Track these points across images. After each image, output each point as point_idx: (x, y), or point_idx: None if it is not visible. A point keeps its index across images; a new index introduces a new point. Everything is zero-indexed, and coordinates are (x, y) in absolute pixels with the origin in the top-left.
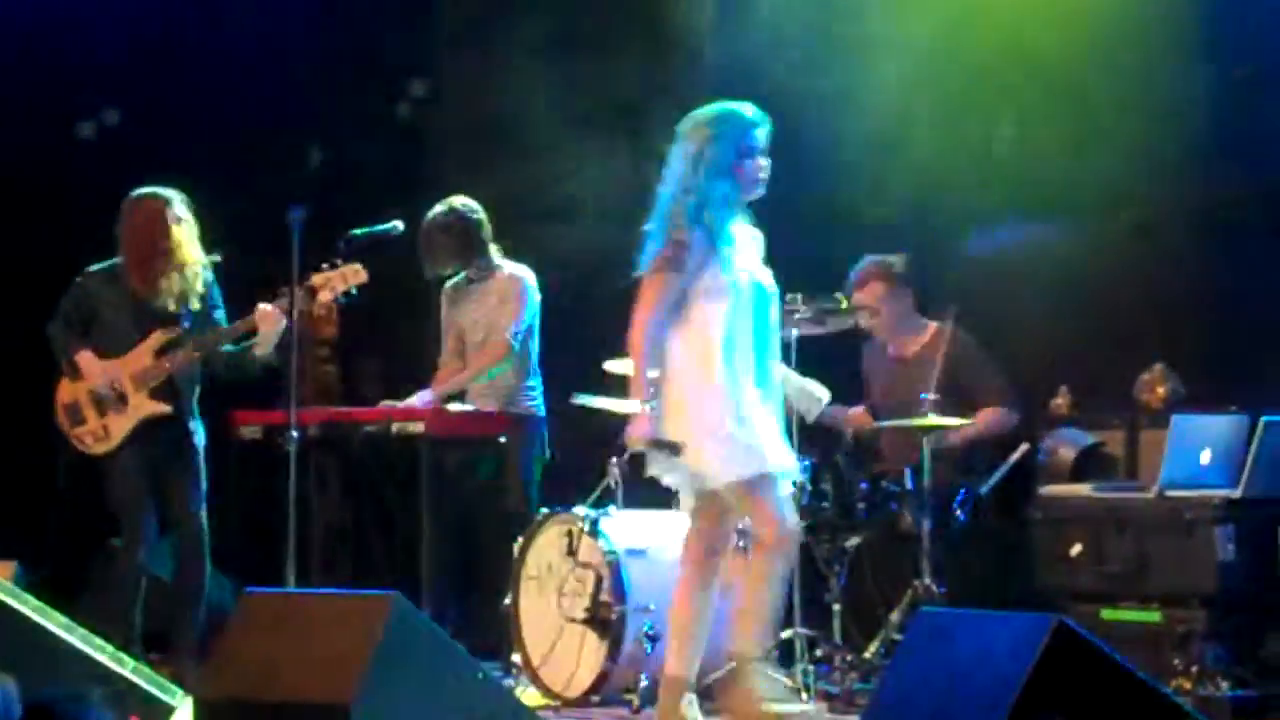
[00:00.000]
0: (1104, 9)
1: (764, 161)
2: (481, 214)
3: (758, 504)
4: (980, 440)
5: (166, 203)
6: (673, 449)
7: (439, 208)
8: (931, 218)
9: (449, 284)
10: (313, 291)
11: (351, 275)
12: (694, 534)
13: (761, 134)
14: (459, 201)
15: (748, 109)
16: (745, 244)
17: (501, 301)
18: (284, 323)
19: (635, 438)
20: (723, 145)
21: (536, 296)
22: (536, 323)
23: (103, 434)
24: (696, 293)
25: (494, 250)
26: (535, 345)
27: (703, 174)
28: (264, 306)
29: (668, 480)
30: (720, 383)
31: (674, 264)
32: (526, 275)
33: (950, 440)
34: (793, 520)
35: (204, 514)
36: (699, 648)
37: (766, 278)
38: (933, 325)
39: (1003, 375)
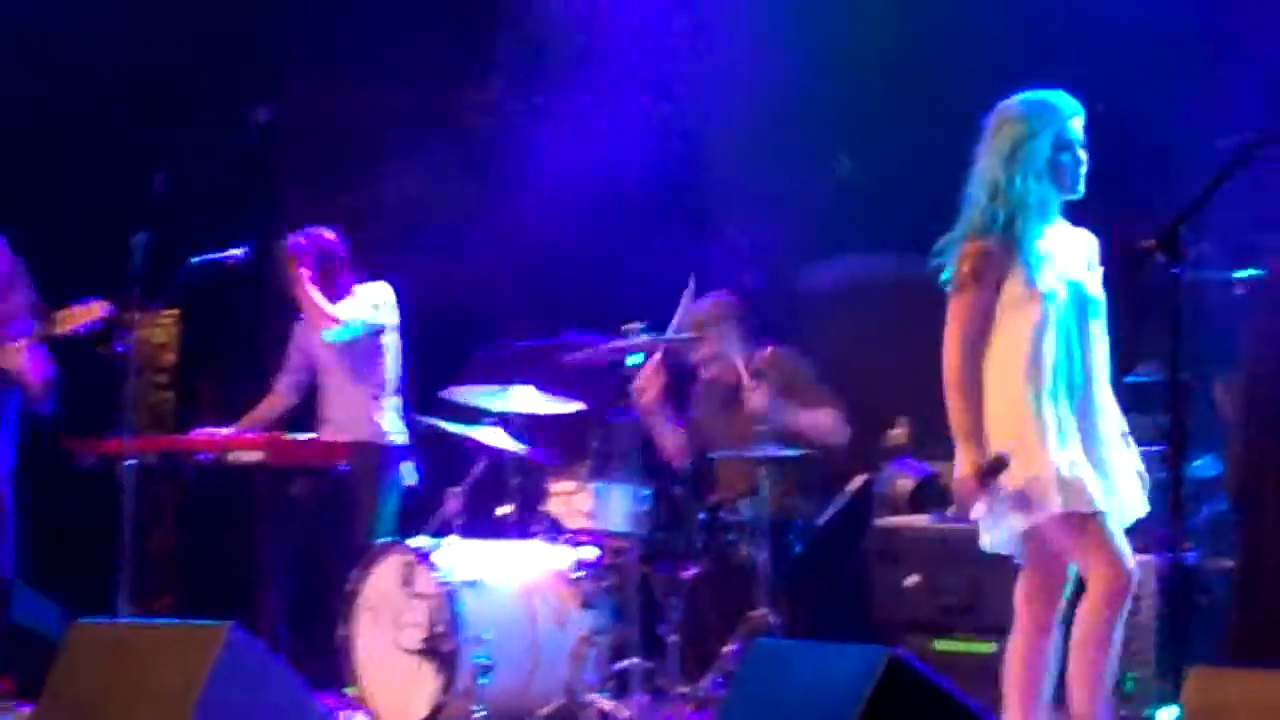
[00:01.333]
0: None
1: (1083, 155)
2: (333, 242)
3: (1087, 545)
4: (810, 434)
5: None
6: (998, 465)
7: (294, 238)
8: (771, 250)
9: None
10: (52, 324)
11: (95, 310)
12: (1024, 589)
13: (1078, 124)
14: (310, 232)
15: (1062, 97)
16: (1065, 246)
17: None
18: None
19: (964, 492)
20: (1037, 143)
21: (384, 309)
22: (393, 346)
23: None
24: (1002, 306)
25: (347, 274)
26: (393, 370)
27: (1016, 177)
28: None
29: (1000, 546)
30: (1027, 407)
31: (976, 278)
32: (376, 293)
33: (776, 423)
34: (1130, 563)
35: None
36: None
37: (1093, 284)
38: (762, 352)
39: (834, 395)
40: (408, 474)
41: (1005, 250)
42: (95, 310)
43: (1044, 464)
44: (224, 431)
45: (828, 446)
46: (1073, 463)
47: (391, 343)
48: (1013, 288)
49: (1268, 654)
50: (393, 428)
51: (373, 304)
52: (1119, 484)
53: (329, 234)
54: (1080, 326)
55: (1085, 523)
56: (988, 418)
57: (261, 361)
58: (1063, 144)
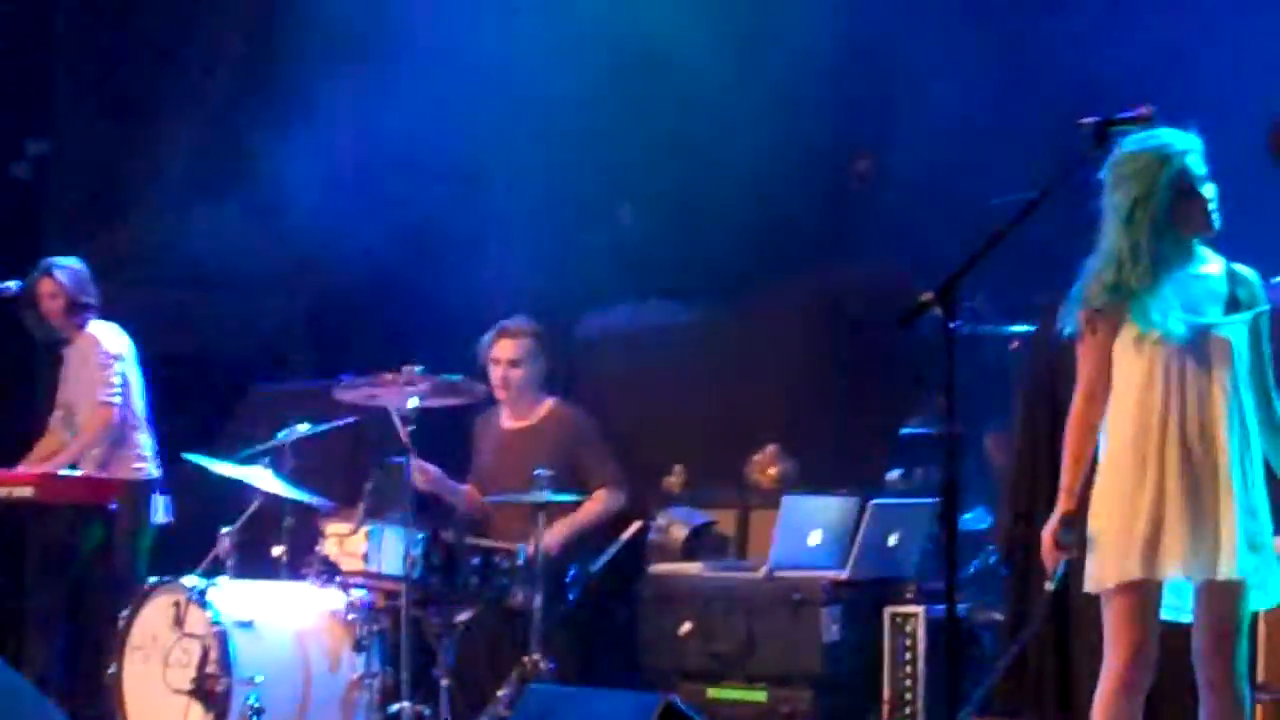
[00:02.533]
0: (721, 98)
1: (1209, 190)
2: (80, 280)
3: (1109, 621)
4: (586, 529)
5: None
6: (1065, 522)
7: (39, 271)
8: (550, 297)
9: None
10: None
11: None
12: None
13: (1196, 159)
14: (56, 269)
15: (1175, 135)
16: (1197, 286)
17: (83, 365)
18: None
19: (1043, 551)
20: (1157, 199)
21: (122, 352)
22: (138, 382)
23: None
24: (1116, 355)
25: (89, 313)
26: (141, 405)
27: (1137, 232)
28: None
29: None
30: (1111, 460)
31: (1092, 330)
32: (101, 334)
33: (549, 541)
34: (1136, 654)
35: None
36: None
37: (1227, 326)
38: (549, 401)
39: (612, 457)
40: (161, 510)
41: (1115, 303)
42: None
43: (1099, 526)
44: None
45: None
46: (1144, 527)
47: (133, 378)
48: (1126, 333)
49: (1035, 704)
50: (147, 463)
51: (110, 352)
52: (1202, 545)
53: (77, 266)
54: (1199, 371)
55: (1110, 597)
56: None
57: (37, 396)
58: (1184, 189)
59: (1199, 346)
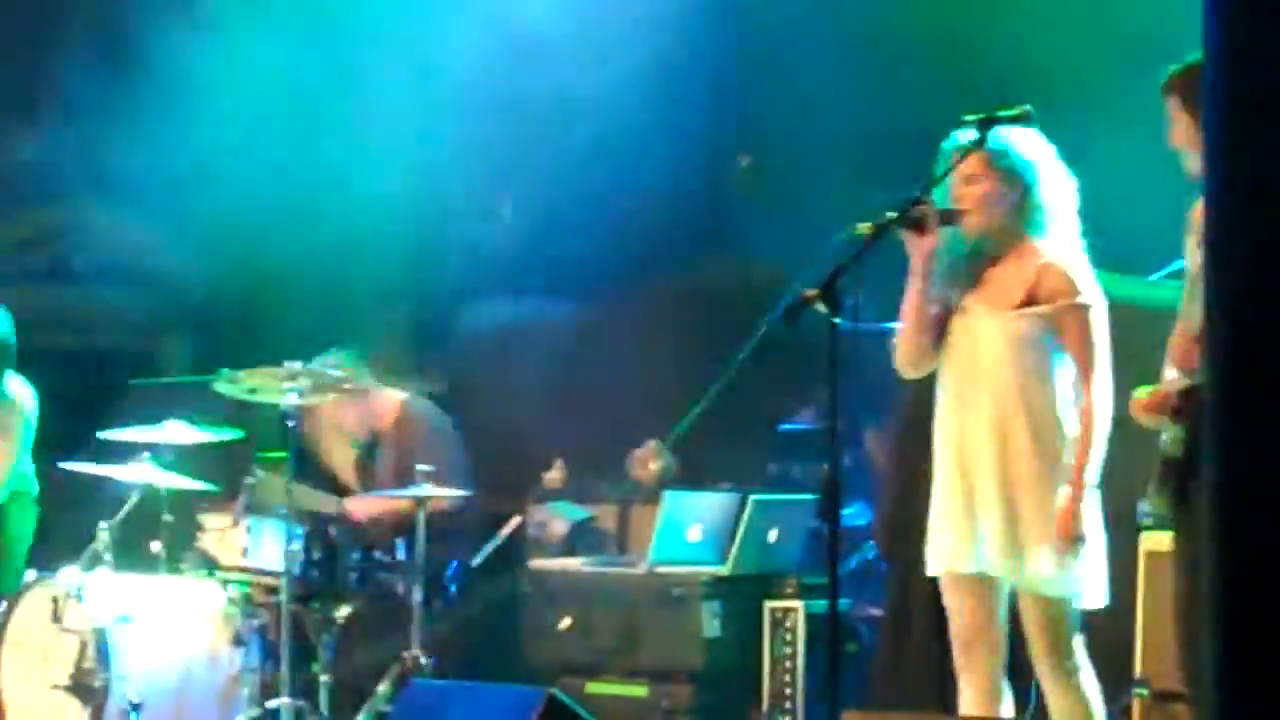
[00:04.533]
0: (603, 94)
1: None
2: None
3: None
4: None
5: None
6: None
7: None
8: (428, 290)
9: None
10: None
11: None
12: None
13: (952, 154)
14: None
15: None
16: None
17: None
18: None
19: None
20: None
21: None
22: None
23: None
24: None
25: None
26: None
27: None
28: None
29: None
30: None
31: None
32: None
33: (356, 509)
34: (957, 640)
35: None
36: None
37: (998, 315)
38: (394, 405)
39: (450, 451)
40: None
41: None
42: None
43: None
44: None
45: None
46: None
47: None
48: None
49: (912, 698)
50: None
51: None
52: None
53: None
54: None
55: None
56: None
57: None
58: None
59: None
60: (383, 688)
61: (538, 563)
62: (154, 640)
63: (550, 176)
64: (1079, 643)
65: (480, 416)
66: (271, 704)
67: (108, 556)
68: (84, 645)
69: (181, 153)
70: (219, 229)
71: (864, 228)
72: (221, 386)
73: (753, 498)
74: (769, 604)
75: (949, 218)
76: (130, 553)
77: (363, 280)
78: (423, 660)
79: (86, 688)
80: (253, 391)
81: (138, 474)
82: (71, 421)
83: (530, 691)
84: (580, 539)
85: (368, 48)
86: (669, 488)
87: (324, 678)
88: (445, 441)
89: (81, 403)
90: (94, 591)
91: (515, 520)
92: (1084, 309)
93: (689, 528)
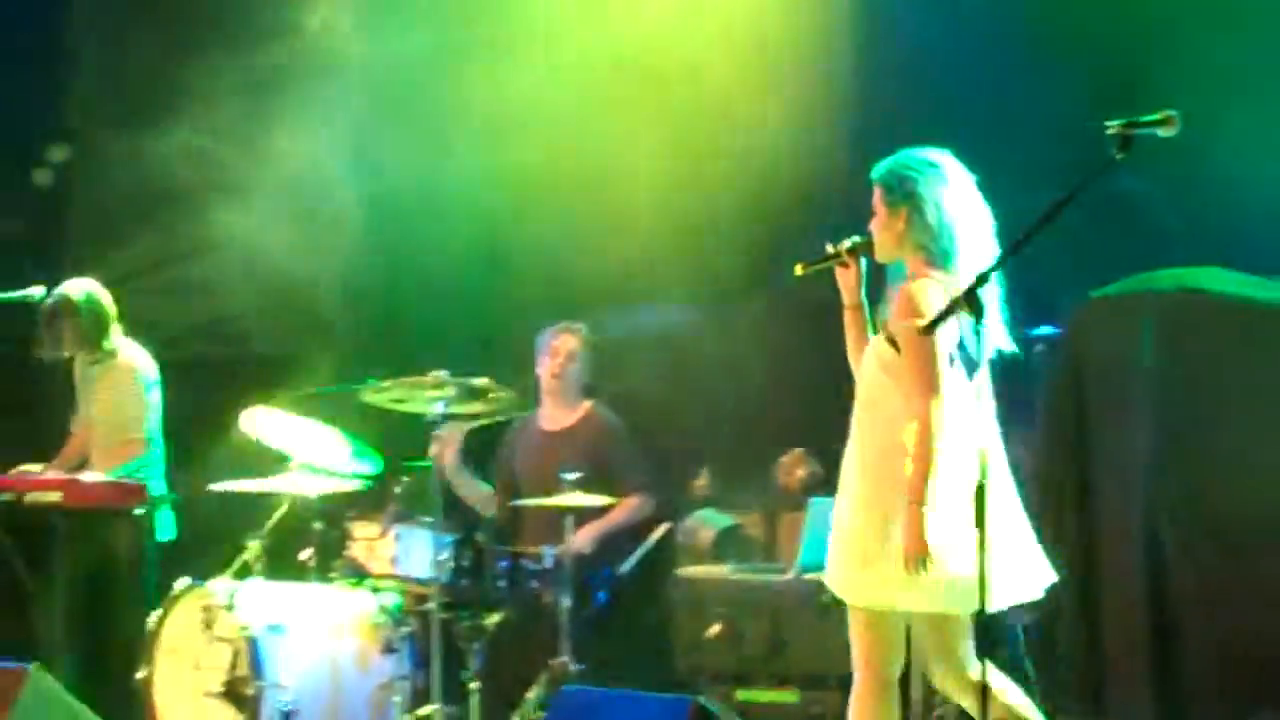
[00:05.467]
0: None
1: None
2: (103, 298)
3: None
4: (615, 532)
5: None
6: None
7: (63, 291)
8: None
9: (78, 358)
10: None
11: None
12: None
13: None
14: (80, 288)
15: None
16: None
17: (120, 395)
18: None
19: None
20: None
21: (152, 378)
22: (158, 402)
23: None
24: None
25: (115, 332)
26: (158, 424)
27: None
28: None
29: None
30: None
31: None
32: (139, 362)
33: (579, 543)
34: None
35: None
36: None
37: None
38: (586, 404)
39: (643, 461)
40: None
41: None
42: None
43: None
44: (25, 469)
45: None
46: None
47: (155, 399)
48: None
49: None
50: (151, 471)
51: (144, 381)
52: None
53: (96, 287)
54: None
55: None
56: None
57: (62, 401)
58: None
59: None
60: (532, 694)
61: (686, 570)
62: (306, 648)
63: (690, 180)
64: (967, 649)
65: (626, 425)
66: (422, 711)
67: (258, 566)
68: (236, 654)
69: (325, 162)
70: (362, 237)
71: (799, 268)
72: (368, 396)
73: None
74: None
75: (863, 249)
76: (280, 562)
77: (504, 289)
78: (572, 667)
79: (239, 696)
80: (399, 401)
81: (286, 484)
82: (219, 431)
83: (679, 700)
84: (728, 546)
85: (515, 43)
86: (815, 494)
87: (474, 685)
88: (628, 445)
89: (228, 413)
90: (245, 600)
91: (663, 527)
92: (912, 329)
93: None
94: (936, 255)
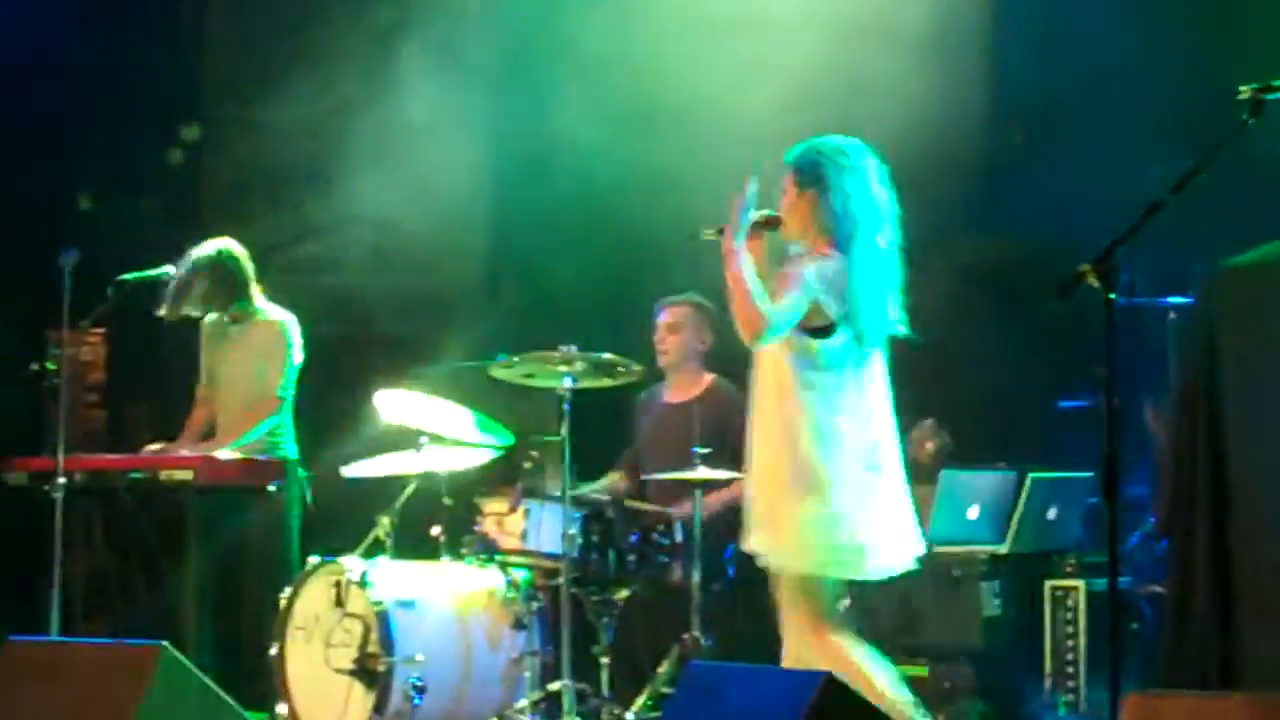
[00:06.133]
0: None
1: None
2: (242, 256)
3: None
4: (737, 506)
5: None
6: None
7: (199, 250)
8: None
9: (208, 320)
10: None
11: None
12: None
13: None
14: (217, 245)
15: None
16: None
17: (264, 352)
18: None
19: None
20: None
21: (298, 341)
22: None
23: None
24: None
25: (256, 292)
26: (292, 389)
27: None
28: None
29: None
30: None
31: None
32: (287, 321)
33: (711, 507)
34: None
35: None
36: None
37: None
38: (709, 377)
39: None
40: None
41: None
42: None
43: None
44: (153, 448)
45: None
46: None
47: (297, 357)
48: None
49: (1198, 678)
50: (288, 442)
51: (293, 342)
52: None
53: (235, 248)
54: None
55: None
56: None
57: (188, 380)
58: None
59: None
60: (663, 669)
61: None
62: (436, 624)
63: None
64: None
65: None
66: (553, 686)
67: (388, 543)
68: (367, 630)
69: (456, 140)
70: (491, 214)
71: (707, 233)
72: (497, 371)
73: (1031, 475)
74: (1049, 583)
75: (774, 223)
76: (410, 538)
77: (642, 269)
78: (702, 642)
79: (370, 671)
80: (529, 376)
81: (416, 463)
82: (347, 410)
83: (809, 674)
84: None
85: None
86: (946, 467)
87: (604, 660)
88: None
89: (357, 391)
90: (376, 576)
91: None
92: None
93: (967, 507)
94: (839, 239)
